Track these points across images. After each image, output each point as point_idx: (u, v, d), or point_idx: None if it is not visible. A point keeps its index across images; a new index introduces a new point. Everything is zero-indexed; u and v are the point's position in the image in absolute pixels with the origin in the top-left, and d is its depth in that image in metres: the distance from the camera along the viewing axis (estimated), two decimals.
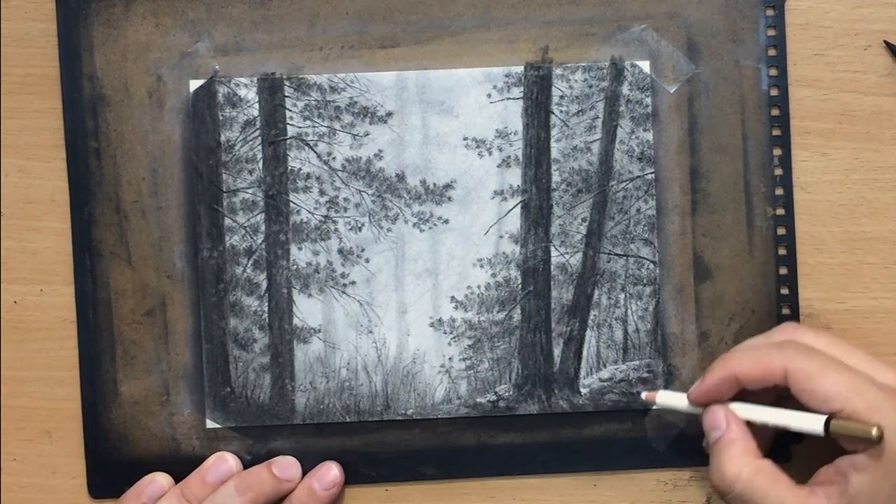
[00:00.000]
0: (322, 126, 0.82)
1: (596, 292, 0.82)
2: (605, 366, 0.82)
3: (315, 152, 0.82)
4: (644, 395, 0.80)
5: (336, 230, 0.82)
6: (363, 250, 0.82)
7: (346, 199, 0.82)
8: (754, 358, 0.73)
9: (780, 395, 0.74)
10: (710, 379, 0.75)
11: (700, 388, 0.75)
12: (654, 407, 0.80)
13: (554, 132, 0.82)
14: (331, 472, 0.81)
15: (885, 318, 0.83)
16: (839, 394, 0.70)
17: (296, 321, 0.82)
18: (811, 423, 0.71)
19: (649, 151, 0.82)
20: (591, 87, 0.82)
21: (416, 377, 0.82)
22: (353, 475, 0.83)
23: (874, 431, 0.68)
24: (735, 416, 0.74)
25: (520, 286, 0.82)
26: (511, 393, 0.82)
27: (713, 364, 0.76)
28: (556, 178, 0.82)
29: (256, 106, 0.82)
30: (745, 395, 0.75)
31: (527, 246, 0.82)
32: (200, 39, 0.82)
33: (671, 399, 0.78)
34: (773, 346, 0.73)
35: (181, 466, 0.82)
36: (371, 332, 0.82)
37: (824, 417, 0.70)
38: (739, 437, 0.73)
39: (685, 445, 0.83)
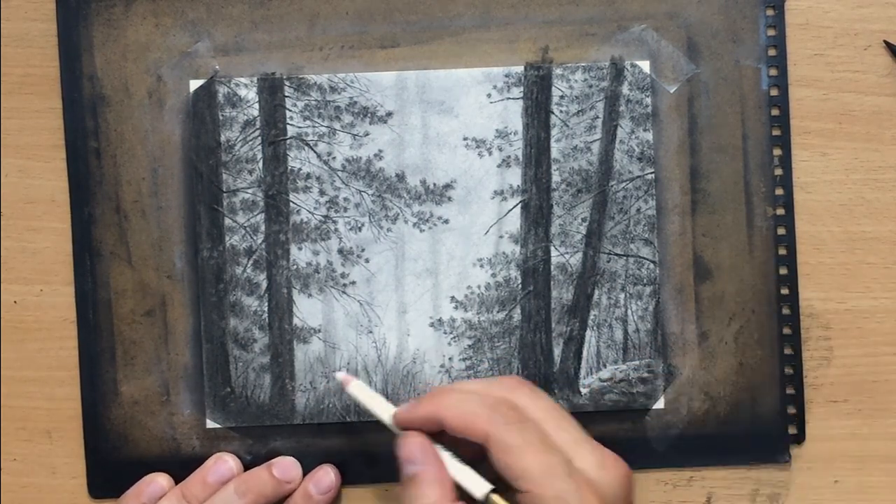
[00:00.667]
0: (322, 126, 0.82)
1: (596, 292, 0.82)
2: (605, 366, 0.83)
3: (315, 152, 0.82)
4: (338, 375, 0.78)
5: (336, 230, 0.82)
6: (363, 250, 0.82)
7: (346, 199, 0.82)
8: (463, 411, 0.71)
9: None
10: (419, 411, 0.73)
11: (406, 415, 0.74)
12: (347, 390, 0.77)
13: (554, 132, 0.82)
14: (328, 476, 0.81)
15: (885, 318, 0.83)
16: (531, 476, 0.69)
17: (296, 321, 0.82)
18: (477, 487, 0.72)
19: (649, 151, 0.82)
20: (591, 87, 0.82)
21: (416, 377, 0.82)
22: (353, 475, 0.83)
23: None
24: (435, 455, 0.73)
25: (520, 286, 0.82)
26: None
27: (429, 394, 0.74)
28: (556, 177, 0.82)
29: (256, 106, 0.82)
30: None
31: (527, 246, 0.82)
32: (200, 39, 0.82)
33: (368, 398, 0.77)
34: (485, 405, 0.72)
35: (181, 466, 0.82)
36: (371, 332, 0.82)
37: (489, 487, 0.71)
38: (439, 475, 0.72)
39: (685, 445, 0.83)
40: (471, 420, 0.71)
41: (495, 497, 0.71)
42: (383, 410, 0.76)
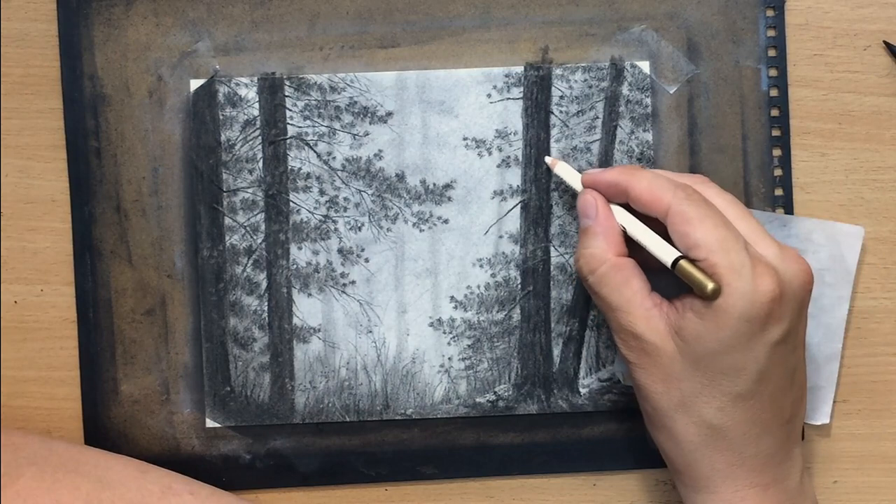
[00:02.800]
0: (322, 126, 0.82)
1: None
2: (604, 366, 0.83)
3: (315, 152, 0.82)
4: (547, 159, 0.81)
5: (336, 230, 0.82)
6: (363, 250, 0.82)
7: (345, 199, 0.82)
8: (650, 184, 0.74)
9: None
10: (606, 176, 0.76)
11: (593, 176, 0.77)
12: (555, 171, 0.80)
13: (554, 132, 0.82)
14: None
15: (885, 318, 0.83)
16: (707, 245, 0.70)
17: (295, 321, 0.82)
18: (665, 253, 0.73)
19: (649, 152, 0.82)
20: (590, 87, 0.82)
21: (415, 377, 0.82)
22: (353, 475, 0.83)
23: (709, 287, 0.69)
24: (607, 209, 0.75)
25: (519, 286, 0.82)
26: (510, 393, 0.82)
27: (620, 166, 0.78)
28: (555, 178, 0.82)
29: (256, 105, 0.82)
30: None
31: (526, 246, 0.82)
32: (201, 39, 0.82)
33: (568, 174, 0.79)
34: (671, 183, 0.74)
35: (181, 465, 0.82)
36: (371, 331, 0.82)
37: (677, 253, 0.72)
38: (606, 230, 0.75)
39: None
40: (656, 192, 0.73)
41: (684, 263, 0.71)
42: (574, 179, 0.79)
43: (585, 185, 0.77)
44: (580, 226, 0.76)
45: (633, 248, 0.76)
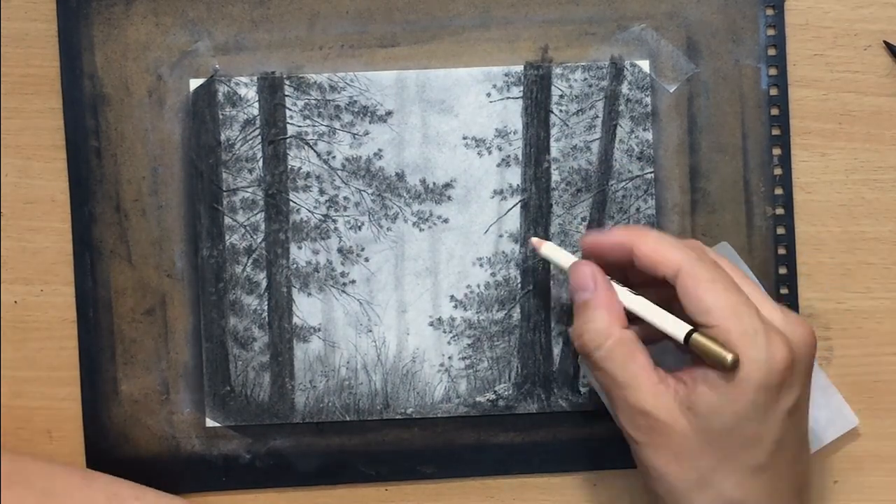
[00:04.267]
0: (322, 125, 0.82)
1: None
2: None
3: (315, 151, 0.82)
4: (533, 240, 0.78)
5: (336, 229, 0.82)
6: (363, 249, 0.82)
7: (345, 199, 0.82)
8: (657, 241, 0.72)
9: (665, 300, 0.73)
10: (611, 237, 0.74)
11: (595, 239, 0.74)
12: (541, 253, 0.77)
13: (554, 131, 0.82)
14: None
15: (885, 318, 0.83)
16: (720, 310, 0.69)
17: (295, 320, 0.82)
18: (675, 328, 0.70)
19: (649, 151, 0.82)
20: (590, 86, 0.82)
21: (415, 376, 0.82)
22: (353, 474, 0.83)
23: (729, 359, 0.67)
24: (605, 280, 0.73)
25: (519, 285, 0.82)
26: (510, 392, 0.82)
27: (621, 226, 0.76)
28: (555, 177, 0.82)
29: (256, 105, 0.82)
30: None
31: (526, 245, 0.82)
32: (200, 38, 0.82)
33: (555, 253, 0.77)
34: (680, 242, 0.72)
35: (180, 465, 0.82)
36: (371, 331, 0.82)
37: (688, 328, 0.70)
38: (608, 302, 0.72)
39: None
40: (664, 251, 0.71)
41: (699, 336, 0.69)
42: (563, 257, 0.76)
43: (586, 248, 0.75)
44: (576, 300, 0.73)
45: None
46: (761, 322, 0.69)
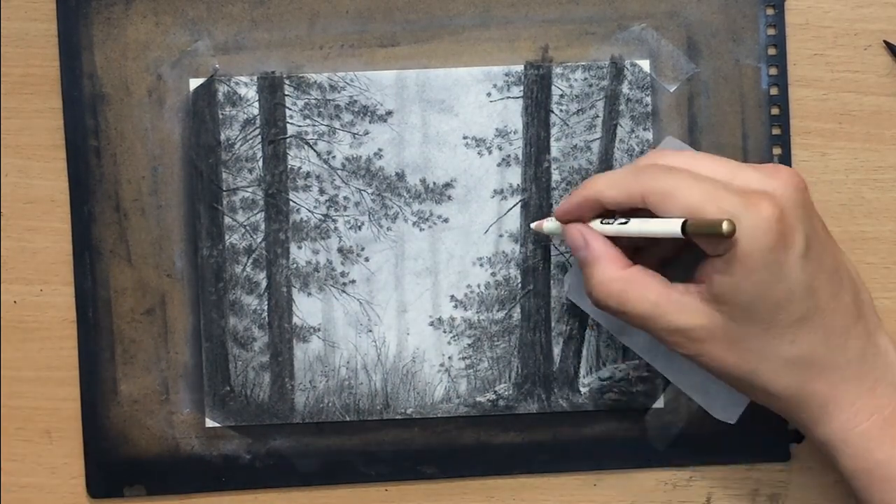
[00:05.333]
0: (322, 125, 0.82)
1: None
2: (604, 365, 0.82)
3: (315, 151, 0.82)
4: (532, 225, 0.80)
5: (336, 229, 0.82)
6: (363, 249, 0.82)
7: (345, 198, 0.82)
8: (615, 182, 0.73)
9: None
10: (573, 199, 0.75)
11: (563, 207, 0.76)
12: (542, 231, 0.79)
13: (554, 131, 0.82)
14: None
15: (885, 318, 0.83)
16: (694, 205, 0.69)
17: (295, 320, 0.82)
18: (669, 227, 0.70)
19: (649, 150, 0.82)
20: (590, 86, 0.82)
21: (415, 376, 0.82)
22: (353, 474, 0.83)
23: (724, 225, 0.67)
24: (593, 232, 0.74)
25: (519, 285, 0.82)
26: (511, 392, 0.82)
27: (577, 187, 0.76)
28: (555, 177, 0.82)
29: (256, 104, 0.82)
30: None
31: (527, 245, 0.82)
32: (200, 38, 0.82)
33: (551, 225, 0.78)
34: (634, 170, 0.72)
35: (180, 466, 0.82)
36: (371, 330, 0.82)
37: (681, 220, 0.69)
38: (602, 252, 0.74)
39: (685, 445, 0.83)
40: (625, 187, 0.72)
41: (691, 222, 0.69)
42: (555, 224, 0.78)
43: (559, 219, 0.76)
44: (578, 261, 0.75)
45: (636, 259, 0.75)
46: (736, 195, 0.69)
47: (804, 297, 0.70)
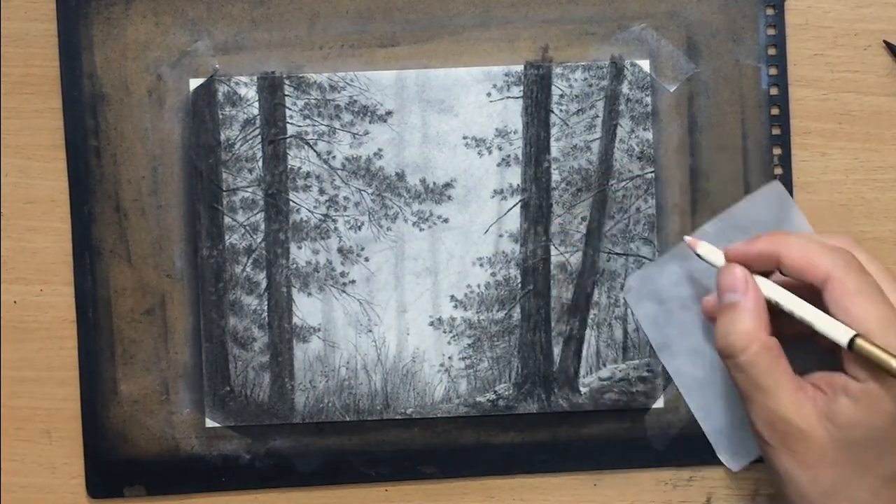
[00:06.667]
0: (322, 125, 0.82)
1: (596, 291, 0.82)
2: (604, 365, 0.82)
3: (315, 151, 0.82)
4: (687, 238, 0.77)
5: (336, 229, 0.82)
6: (363, 249, 0.82)
7: (345, 198, 0.82)
8: (804, 248, 0.71)
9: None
10: (755, 246, 0.73)
11: (740, 249, 0.74)
12: (697, 252, 0.76)
13: (554, 131, 0.82)
14: None
15: None
16: (870, 321, 0.68)
17: (295, 320, 0.82)
18: (837, 332, 0.69)
19: (649, 150, 0.82)
20: (590, 86, 0.82)
21: (415, 376, 0.82)
22: (353, 474, 0.83)
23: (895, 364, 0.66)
24: (755, 285, 0.73)
25: (519, 285, 0.82)
26: (511, 392, 0.82)
27: (766, 234, 0.74)
28: (555, 177, 0.82)
29: (256, 105, 0.82)
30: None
31: (526, 245, 0.82)
32: (200, 38, 0.82)
33: (710, 253, 0.76)
34: (827, 248, 0.71)
35: (180, 466, 0.82)
36: (370, 331, 0.82)
37: (852, 332, 0.68)
38: (757, 307, 0.72)
39: (685, 445, 0.83)
40: (813, 259, 0.71)
41: (862, 342, 0.68)
42: (717, 257, 0.76)
43: (730, 259, 0.75)
44: (723, 301, 0.73)
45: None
46: None
47: None
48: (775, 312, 0.73)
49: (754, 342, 0.71)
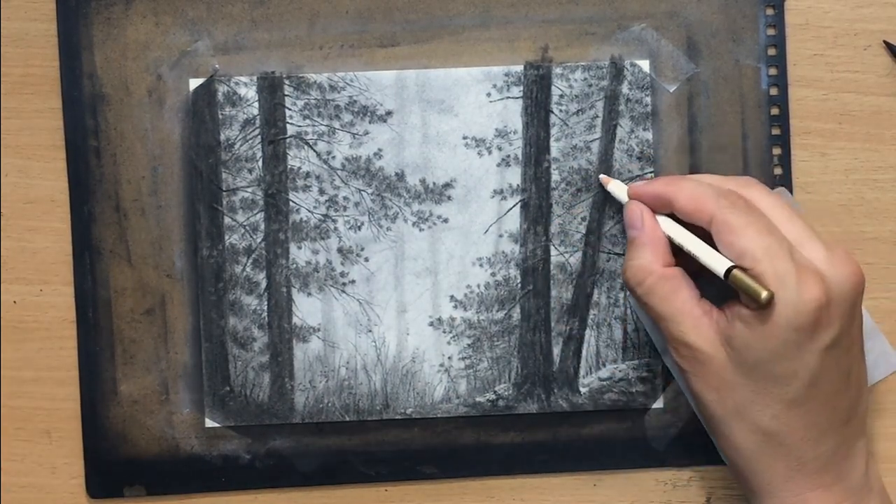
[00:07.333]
0: (322, 125, 0.82)
1: (595, 291, 0.82)
2: (604, 365, 0.82)
3: (314, 151, 0.82)
4: (601, 176, 0.81)
5: (335, 229, 0.82)
6: (363, 249, 0.82)
7: (345, 198, 0.82)
8: (693, 191, 0.74)
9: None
10: (651, 187, 0.77)
11: (638, 189, 0.78)
12: (607, 188, 0.81)
13: (553, 131, 0.82)
14: None
15: (885, 318, 0.83)
16: (753, 253, 0.70)
17: (295, 320, 0.82)
18: (716, 263, 0.72)
19: (649, 150, 0.82)
20: (590, 86, 0.82)
21: (415, 376, 0.82)
22: (353, 474, 0.83)
23: (763, 295, 0.69)
24: (653, 219, 0.76)
25: (519, 285, 0.82)
26: (510, 392, 0.82)
27: (664, 177, 0.79)
28: (555, 177, 0.82)
29: (256, 105, 0.82)
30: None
31: (526, 245, 0.82)
32: (200, 38, 0.82)
33: (618, 188, 0.80)
34: (715, 192, 0.74)
35: (180, 466, 0.82)
36: (370, 331, 0.82)
37: (729, 263, 0.72)
38: (653, 241, 0.76)
39: (685, 445, 0.83)
40: (699, 202, 0.73)
41: (737, 272, 0.71)
42: (622, 192, 0.79)
43: (631, 197, 0.78)
44: (628, 237, 0.77)
45: (682, 257, 0.76)
46: (793, 262, 0.70)
47: (805, 384, 0.72)
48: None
49: (650, 274, 0.75)
